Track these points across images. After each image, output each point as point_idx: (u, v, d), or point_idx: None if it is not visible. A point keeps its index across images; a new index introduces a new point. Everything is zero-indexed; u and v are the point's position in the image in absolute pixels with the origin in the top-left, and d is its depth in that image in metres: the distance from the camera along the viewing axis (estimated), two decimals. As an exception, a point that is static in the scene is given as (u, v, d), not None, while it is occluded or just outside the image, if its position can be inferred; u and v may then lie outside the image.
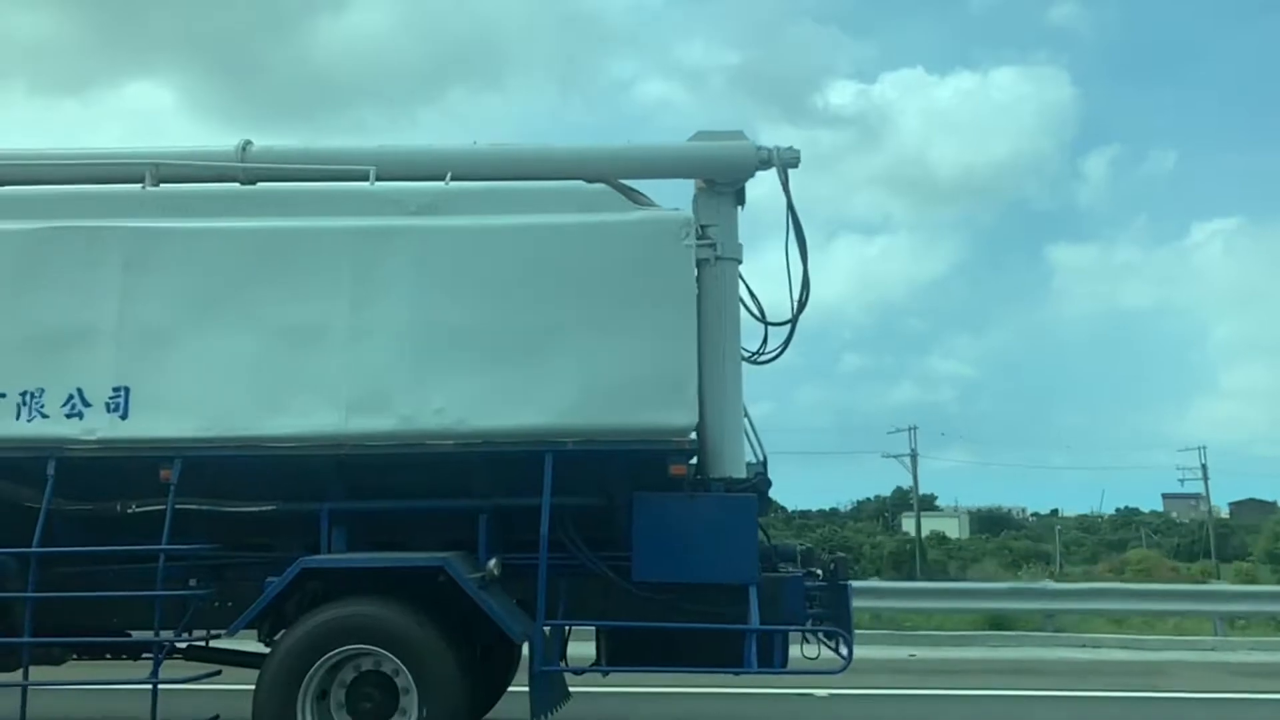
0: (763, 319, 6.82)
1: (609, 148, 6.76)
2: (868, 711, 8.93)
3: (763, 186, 6.84)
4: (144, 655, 6.33)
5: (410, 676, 5.38)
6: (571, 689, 6.44)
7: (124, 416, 5.80)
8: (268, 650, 5.66)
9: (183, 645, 6.14)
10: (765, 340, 6.82)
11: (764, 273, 6.91)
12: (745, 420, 6.52)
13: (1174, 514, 79.19)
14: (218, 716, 5.85)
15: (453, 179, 6.30)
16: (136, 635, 6.16)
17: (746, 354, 6.70)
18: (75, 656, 6.41)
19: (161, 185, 6.42)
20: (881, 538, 48.32)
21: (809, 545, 7.38)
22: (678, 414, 5.71)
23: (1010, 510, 79.81)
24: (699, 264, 6.22)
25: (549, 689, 5.76)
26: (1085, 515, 72.07)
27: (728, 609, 5.99)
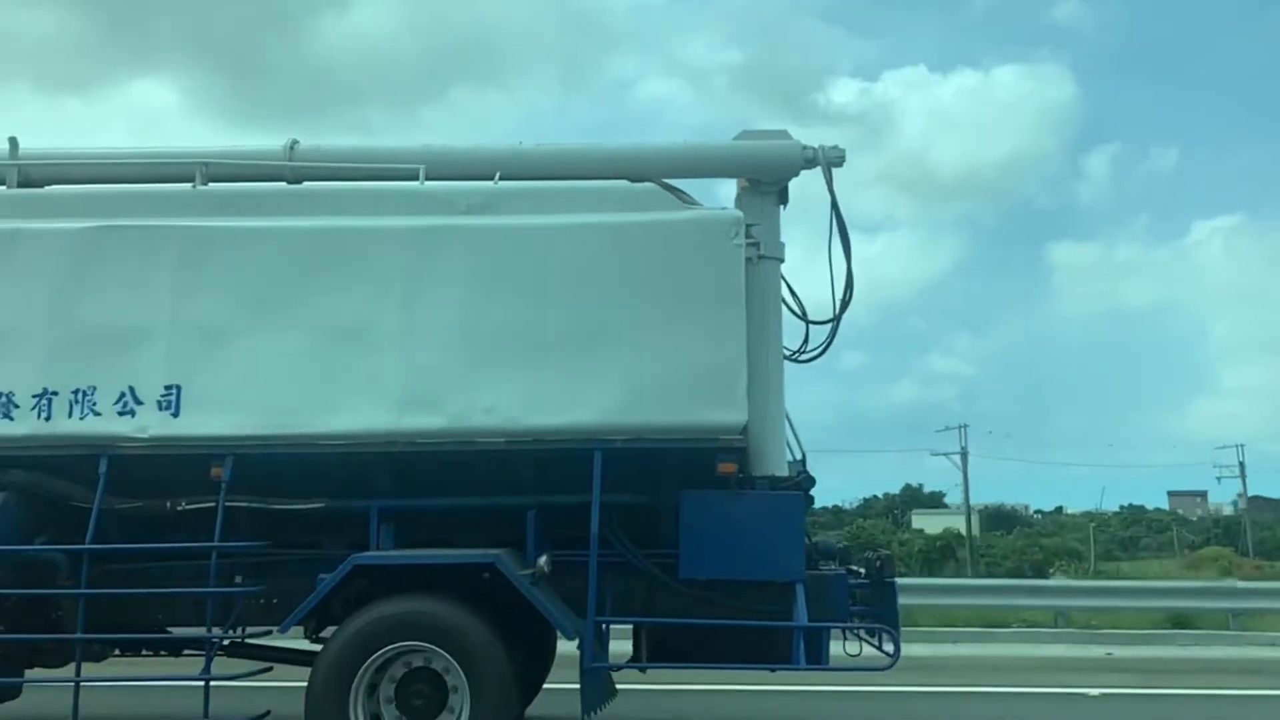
0: (804, 318, 6.87)
1: (655, 146, 6.81)
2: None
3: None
4: (184, 651, 6.41)
5: (462, 673, 5.41)
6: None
7: (175, 414, 5.83)
8: (312, 647, 5.70)
9: (236, 642, 6.17)
10: (806, 339, 6.87)
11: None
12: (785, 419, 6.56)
13: (1179, 510, 79.16)
14: (269, 713, 5.88)
15: (499, 179, 6.34)
16: (183, 632, 6.19)
17: (788, 353, 6.74)
18: (116, 652, 6.46)
19: (210, 185, 6.45)
20: (909, 535, 47.60)
21: (846, 543, 7.41)
22: (728, 412, 5.73)
23: (1013, 507, 79.66)
24: (743, 263, 6.23)
25: (599, 686, 5.79)
26: (1090, 512, 71.87)
27: (771, 606, 6.01)
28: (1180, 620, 14.74)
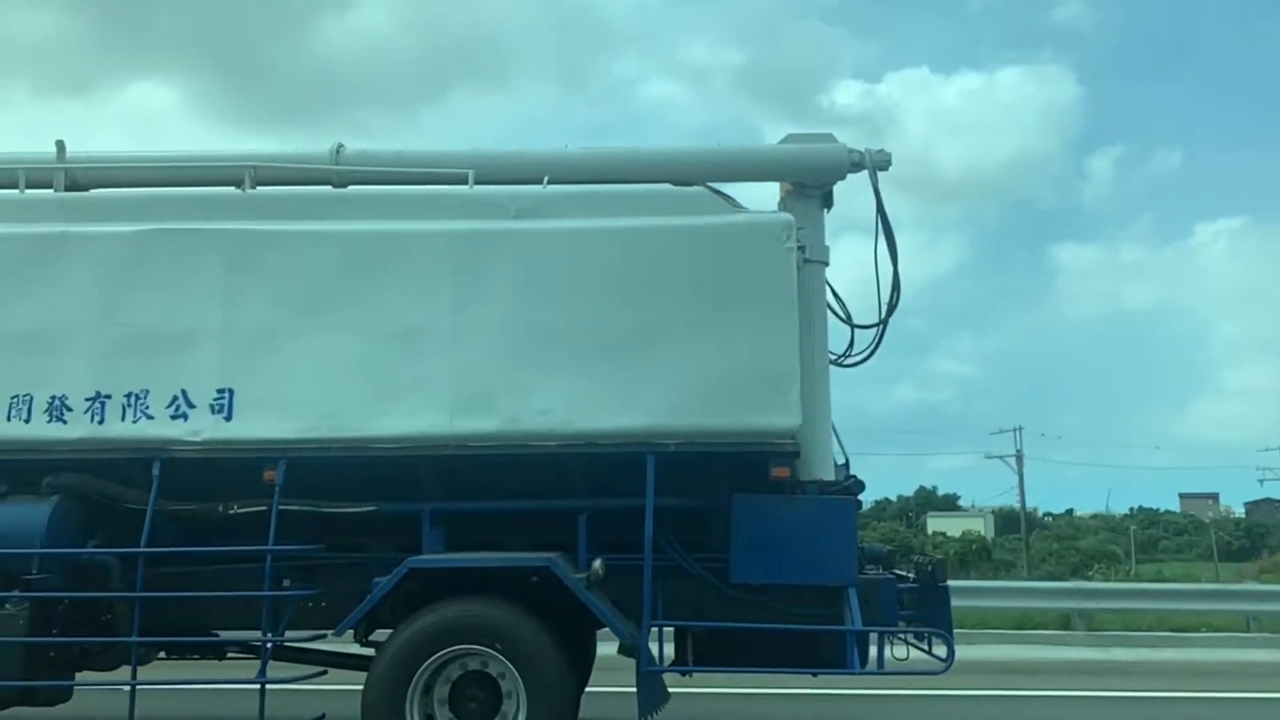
0: (849, 321, 6.86)
1: (701, 150, 6.82)
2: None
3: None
4: (228, 655, 6.42)
5: (519, 677, 5.40)
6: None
7: (228, 418, 5.84)
8: (348, 648, 5.67)
9: (283, 645, 6.17)
10: (851, 343, 6.86)
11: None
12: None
13: (1192, 512, 78.92)
14: (324, 716, 5.88)
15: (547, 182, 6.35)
16: (239, 635, 6.20)
17: (833, 357, 6.73)
18: (161, 655, 6.47)
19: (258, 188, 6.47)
20: (940, 538, 47.06)
21: (890, 548, 7.41)
22: (782, 416, 5.73)
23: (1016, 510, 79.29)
24: (788, 267, 6.23)
25: (655, 690, 5.79)
26: (1099, 514, 71.63)
27: (821, 610, 6.03)
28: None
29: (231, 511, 5.96)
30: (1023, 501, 49.00)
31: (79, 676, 6.14)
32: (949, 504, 70.51)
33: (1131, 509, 76.94)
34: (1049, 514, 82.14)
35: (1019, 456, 48.28)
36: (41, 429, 5.87)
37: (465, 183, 6.30)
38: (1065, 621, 14.68)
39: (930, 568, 6.41)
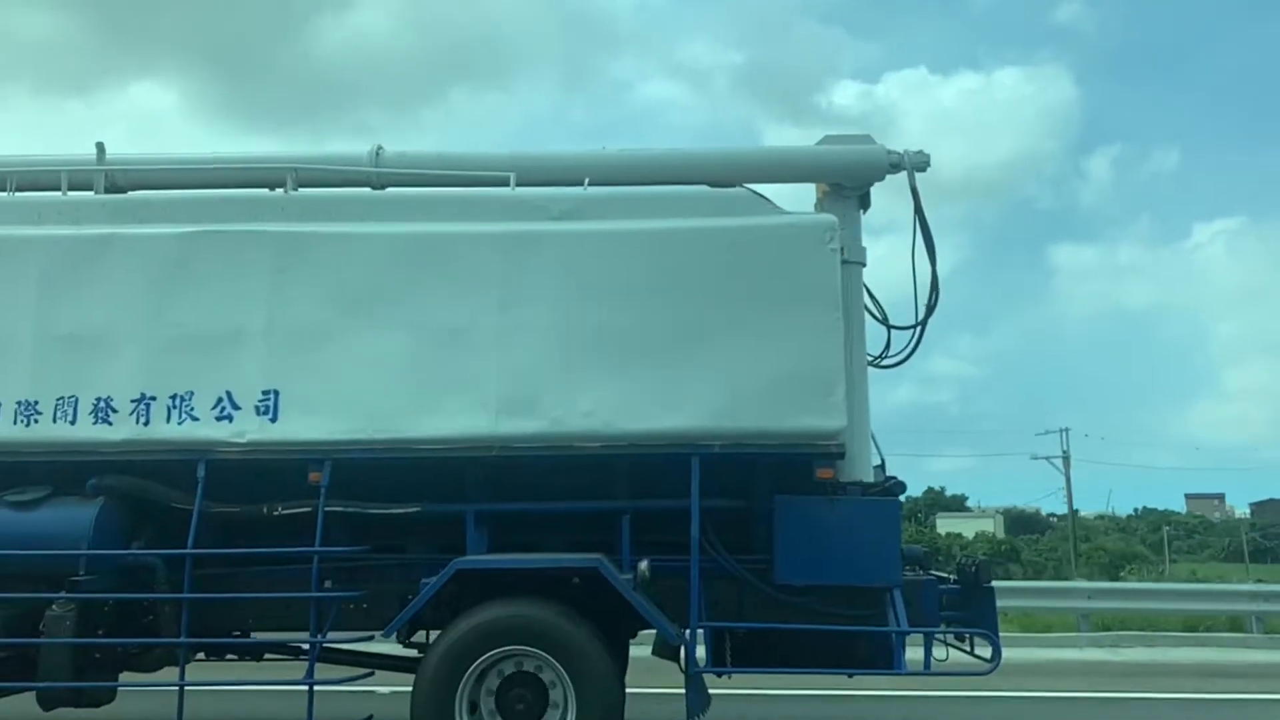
0: (886, 323, 6.87)
1: (740, 151, 6.86)
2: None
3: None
4: (265, 656, 6.43)
5: (567, 678, 5.40)
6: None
7: (273, 419, 5.85)
8: (387, 649, 5.65)
9: (327, 646, 6.18)
10: (888, 344, 6.87)
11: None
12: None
13: (1198, 512, 78.84)
14: (371, 717, 5.89)
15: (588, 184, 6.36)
16: (287, 637, 6.22)
17: (870, 358, 6.74)
18: (200, 656, 6.48)
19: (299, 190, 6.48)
20: (964, 537, 46.63)
21: (927, 549, 7.41)
22: (827, 417, 5.73)
23: (1032, 511, 79.27)
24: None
25: (702, 691, 5.80)
26: (1103, 514, 71.46)
27: (863, 611, 6.04)
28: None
29: (277, 513, 5.97)
30: (1070, 501, 48.44)
31: (121, 677, 6.16)
32: (958, 505, 70.39)
33: (1136, 509, 76.84)
34: (1053, 514, 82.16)
35: (1065, 458, 47.89)
36: (87, 430, 5.88)
37: (506, 184, 6.32)
38: (1239, 624, 14.33)
39: (974, 569, 6.41)
